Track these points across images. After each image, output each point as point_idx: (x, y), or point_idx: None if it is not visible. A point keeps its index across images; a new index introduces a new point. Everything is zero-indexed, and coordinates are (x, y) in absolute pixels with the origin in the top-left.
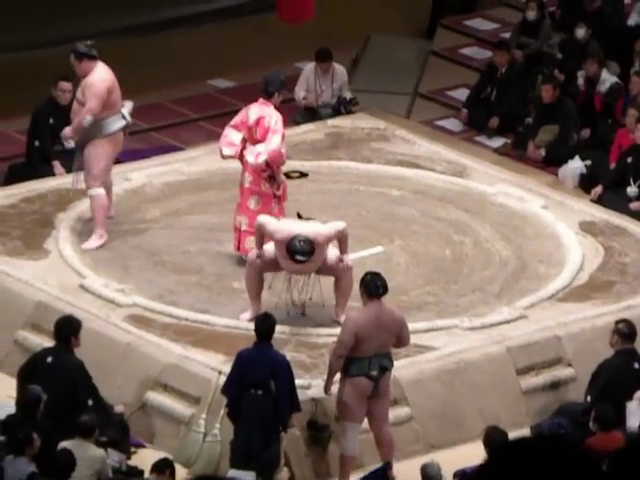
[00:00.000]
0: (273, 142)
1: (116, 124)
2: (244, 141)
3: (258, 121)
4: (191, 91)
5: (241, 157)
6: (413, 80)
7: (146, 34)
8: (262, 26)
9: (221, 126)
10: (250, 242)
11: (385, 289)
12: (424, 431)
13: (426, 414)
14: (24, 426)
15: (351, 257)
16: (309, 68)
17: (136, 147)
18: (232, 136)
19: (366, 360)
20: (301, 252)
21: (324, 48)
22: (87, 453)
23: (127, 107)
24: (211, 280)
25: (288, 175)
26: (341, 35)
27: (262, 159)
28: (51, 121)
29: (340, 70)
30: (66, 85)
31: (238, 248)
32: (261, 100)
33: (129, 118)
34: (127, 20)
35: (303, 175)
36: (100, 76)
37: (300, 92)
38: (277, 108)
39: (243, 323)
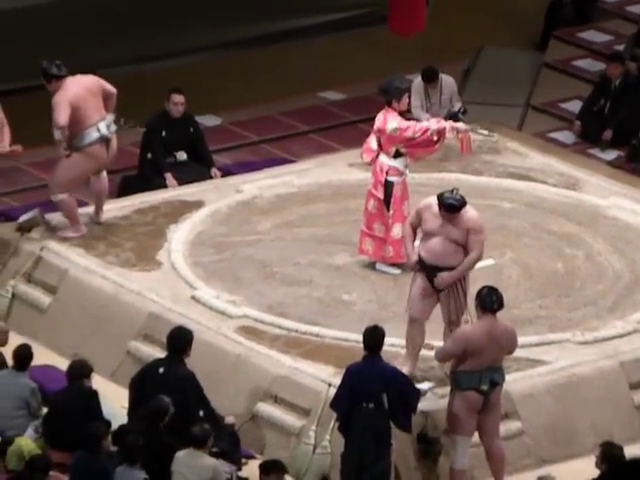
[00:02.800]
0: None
1: (88, 138)
2: (379, 147)
3: (380, 129)
4: (302, 103)
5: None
6: (525, 92)
7: (258, 46)
8: (374, 38)
9: (331, 138)
10: (366, 244)
11: (500, 304)
12: (535, 445)
13: (537, 428)
14: (135, 435)
15: None
16: (418, 81)
17: (247, 159)
18: (371, 142)
19: (477, 374)
20: (453, 198)
21: (429, 68)
22: (199, 462)
23: (106, 121)
24: (321, 292)
25: (474, 131)
26: (453, 47)
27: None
28: (163, 134)
29: (448, 81)
30: (178, 98)
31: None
32: (386, 107)
33: (105, 131)
34: (239, 33)
35: (489, 136)
36: (64, 92)
37: (416, 106)
38: (402, 114)
39: (353, 335)
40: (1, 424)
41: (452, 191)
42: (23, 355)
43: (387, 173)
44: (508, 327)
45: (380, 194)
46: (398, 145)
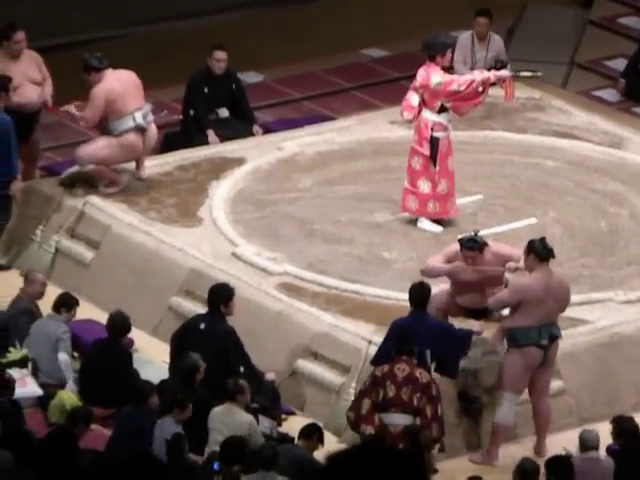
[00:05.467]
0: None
1: (122, 126)
2: (422, 103)
3: (423, 85)
4: (344, 60)
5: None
6: (570, 50)
7: (301, 3)
8: None
9: (373, 96)
10: (410, 201)
11: (553, 253)
12: (577, 404)
13: (579, 387)
14: (180, 390)
15: (504, 228)
16: (465, 37)
17: (288, 116)
18: (411, 99)
19: (536, 329)
20: (471, 239)
21: (484, 8)
22: (235, 418)
23: (143, 110)
24: (361, 250)
25: (518, 75)
26: (497, 4)
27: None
28: (206, 90)
29: (496, 39)
30: (221, 54)
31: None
32: (427, 62)
33: (140, 120)
34: None
35: (534, 75)
36: (104, 88)
37: (459, 61)
38: (444, 69)
39: (393, 293)
40: (41, 368)
41: (474, 234)
42: (63, 301)
43: (432, 129)
44: (563, 281)
45: (426, 150)
46: (443, 100)
